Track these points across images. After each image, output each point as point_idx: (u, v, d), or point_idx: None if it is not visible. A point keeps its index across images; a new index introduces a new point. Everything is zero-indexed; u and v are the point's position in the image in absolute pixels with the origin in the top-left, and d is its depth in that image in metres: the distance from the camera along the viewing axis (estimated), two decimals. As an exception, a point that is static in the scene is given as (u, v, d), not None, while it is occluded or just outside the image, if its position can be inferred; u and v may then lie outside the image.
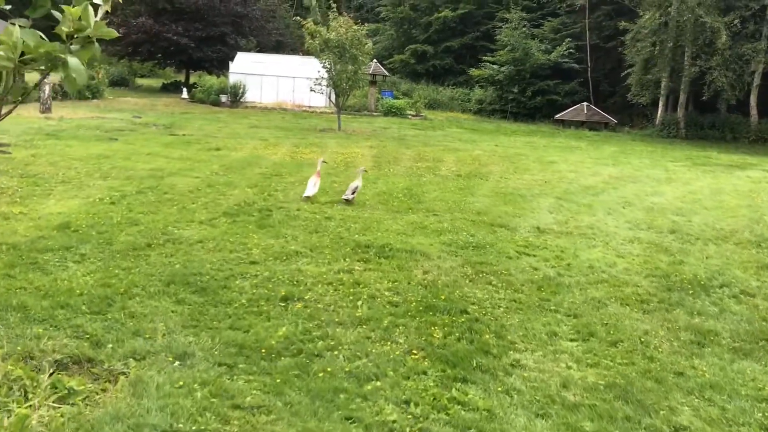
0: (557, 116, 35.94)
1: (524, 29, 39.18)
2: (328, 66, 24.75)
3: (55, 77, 33.04)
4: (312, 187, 10.62)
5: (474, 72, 40.26)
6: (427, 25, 45.72)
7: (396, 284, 6.78)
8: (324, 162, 11.77)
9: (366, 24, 51.33)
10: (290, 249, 7.70)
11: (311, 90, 26.65)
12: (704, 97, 31.06)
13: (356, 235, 8.52)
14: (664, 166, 20.58)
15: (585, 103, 36.50)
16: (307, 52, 27.70)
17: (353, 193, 10.60)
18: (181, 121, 24.90)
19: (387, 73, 39.11)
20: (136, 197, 9.99)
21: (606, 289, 7.10)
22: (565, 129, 33.88)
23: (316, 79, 25.55)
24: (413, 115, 34.57)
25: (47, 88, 25.29)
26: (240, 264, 7.08)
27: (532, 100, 37.70)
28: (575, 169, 18.25)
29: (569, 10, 40.20)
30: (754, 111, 32.24)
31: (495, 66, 38.65)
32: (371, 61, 37.36)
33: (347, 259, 7.45)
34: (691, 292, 7.27)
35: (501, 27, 40.63)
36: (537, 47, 38.00)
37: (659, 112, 34.15)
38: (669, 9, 30.29)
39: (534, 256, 8.17)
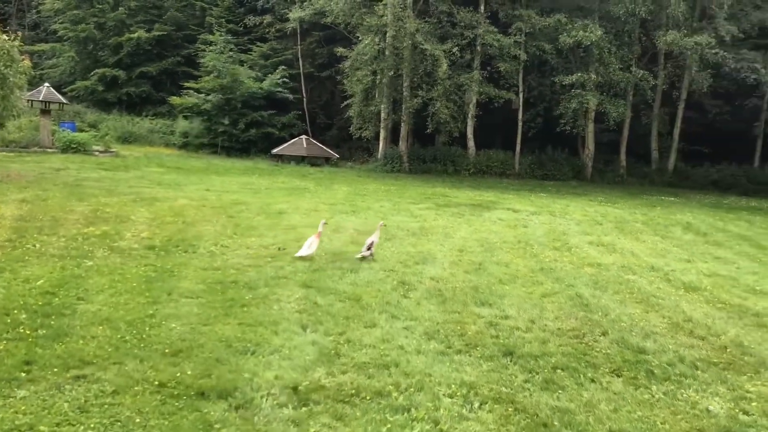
0: (275, 151, 31.96)
1: (231, 53, 34.65)
2: (-40, 87, 17.66)
3: None
4: (306, 248, 9.97)
5: (175, 100, 34.51)
6: (116, 47, 38.73)
7: None
8: (325, 223, 10.87)
9: (41, 44, 42.63)
10: None
11: (-63, 121, 19.02)
12: (428, 130, 29.51)
13: None
14: (408, 209, 17.49)
15: (304, 137, 33.13)
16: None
17: (369, 249, 10.17)
18: None
19: (64, 101, 31.53)
20: None
21: None
22: (284, 165, 29.98)
23: (-57, 105, 18.13)
24: (101, 152, 27.77)
25: None
26: None
27: (245, 133, 33.16)
28: (312, 222, 14.08)
29: (279, 35, 36.68)
30: (471, 143, 31.67)
31: (200, 94, 33.42)
32: (42, 85, 29.85)
33: None
34: None
35: (204, 51, 35.62)
36: (247, 74, 33.63)
37: (381, 145, 32.00)
38: (387, 35, 28.18)
39: None
